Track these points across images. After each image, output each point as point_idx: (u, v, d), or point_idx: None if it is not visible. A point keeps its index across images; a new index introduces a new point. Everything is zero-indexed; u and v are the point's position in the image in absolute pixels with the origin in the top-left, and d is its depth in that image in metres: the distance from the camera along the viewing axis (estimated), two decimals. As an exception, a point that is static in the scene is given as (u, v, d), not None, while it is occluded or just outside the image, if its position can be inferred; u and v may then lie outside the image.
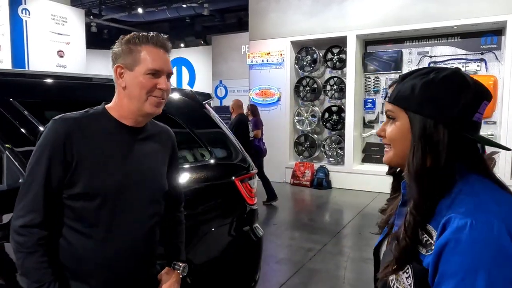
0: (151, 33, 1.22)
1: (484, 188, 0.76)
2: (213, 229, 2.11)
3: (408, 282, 0.77)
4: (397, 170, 0.94)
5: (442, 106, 0.78)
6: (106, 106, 1.25)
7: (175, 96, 2.22)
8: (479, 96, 0.79)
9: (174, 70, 16.36)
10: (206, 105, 2.36)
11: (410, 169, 0.79)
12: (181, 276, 1.43)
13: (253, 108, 6.30)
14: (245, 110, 6.22)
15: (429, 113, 0.79)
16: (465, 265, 0.67)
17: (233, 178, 2.18)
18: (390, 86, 0.89)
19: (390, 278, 0.82)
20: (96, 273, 1.19)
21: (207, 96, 2.39)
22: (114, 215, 1.19)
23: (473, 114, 0.78)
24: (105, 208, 1.17)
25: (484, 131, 6.22)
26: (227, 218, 2.20)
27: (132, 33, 1.21)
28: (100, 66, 14.43)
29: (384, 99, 0.89)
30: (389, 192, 0.98)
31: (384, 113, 0.90)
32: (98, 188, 1.16)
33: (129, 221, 1.22)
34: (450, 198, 0.75)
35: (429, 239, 0.75)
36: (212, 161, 2.16)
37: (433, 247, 0.73)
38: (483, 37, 6.20)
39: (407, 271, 0.77)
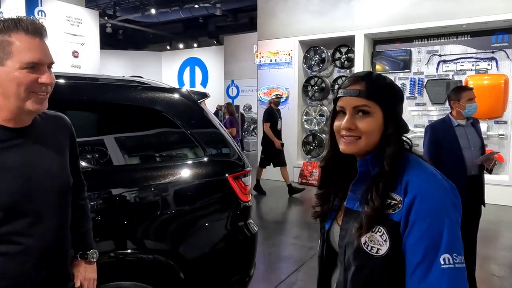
0: (19, 17, 1.04)
1: (420, 162, 0.97)
2: (206, 224, 2.17)
3: (383, 239, 0.91)
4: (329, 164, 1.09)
5: (401, 102, 1.02)
6: None
7: (171, 95, 2.29)
8: None
9: (187, 70, 16.54)
10: (202, 104, 2.42)
11: (389, 152, 0.95)
12: (91, 262, 1.38)
13: (229, 107, 6.41)
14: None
15: (397, 108, 0.99)
16: (432, 211, 0.88)
17: (227, 175, 2.23)
18: (351, 84, 0.98)
19: (363, 241, 0.93)
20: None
21: (203, 95, 2.45)
22: (21, 227, 1.09)
23: None
24: (10, 223, 1.07)
25: (495, 131, 6.12)
26: (221, 214, 2.24)
27: None
28: (115, 66, 14.73)
29: (337, 95, 1.01)
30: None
31: (343, 108, 1.00)
32: None
33: (40, 228, 1.13)
34: (402, 168, 0.95)
35: (393, 201, 0.92)
36: (205, 159, 2.21)
37: (399, 205, 0.91)
38: (493, 35, 6.08)
39: (379, 230, 0.92)
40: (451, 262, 0.85)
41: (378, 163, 0.95)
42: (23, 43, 1.02)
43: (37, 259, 1.13)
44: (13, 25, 1.02)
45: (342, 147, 0.98)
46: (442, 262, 0.84)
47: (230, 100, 14.32)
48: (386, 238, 0.90)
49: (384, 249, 0.90)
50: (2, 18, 1.04)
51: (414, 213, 0.88)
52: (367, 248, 0.92)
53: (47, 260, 1.16)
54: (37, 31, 1.05)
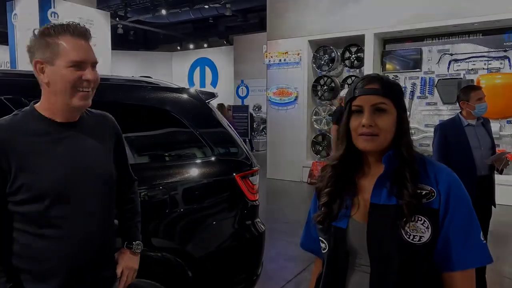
0: (67, 22, 1.17)
1: (430, 158, 1.07)
2: (214, 223, 2.18)
3: (425, 226, 0.97)
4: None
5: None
6: (35, 105, 1.22)
7: (179, 94, 2.31)
8: None
9: (198, 70, 16.63)
10: (210, 104, 2.43)
11: (405, 140, 1.03)
12: (135, 253, 1.45)
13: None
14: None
15: (404, 105, 1.06)
16: (466, 198, 1.01)
17: (234, 174, 2.25)
18: (368, 84, 1.03)
19: (405, 231, 0.97)
20: (56, 272, 1.18)
21: (210, 95, 2.47)
22: (66, 212, 1.18)
23: None
24: (56, 208, 1.16)
25: (508, 131, 6.03)
26: (228, 213, 2.25)
27: (46, 24, 1.17)
28: (126, 66, 14.88)
29: (354, 95, 1.06)
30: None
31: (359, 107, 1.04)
32: (44, 190, 1.14)
33: (83, 215, 1.21)
34: (420, 161, 1.03)
35: (424, 191, 0.99)
36: (213, 158, 2.23)
37: (433, 194, 0.99)
38: (506, 33, 5.99)
39: (420, 219, 0.97)
40: (484, 238, 1.00)
41: (398, 157, 1.01)
42: (69, 44, 1.14)
43: (79, 245, 1.21)
44: (61, 29, 1.15)
45: (362, 144, 1.01)
46: (482, 239, 1.00)
47: (240, 100, 14.36)
48: (428, 225, 0.97)
49: (426, 236, 0.96)
50: (52, 24, 1.16)
51: (453, 200, 0.98)
52: (409, 238, 0.96)
53: (89, 246, 1.23)
54: (82, 34, 1.17)
